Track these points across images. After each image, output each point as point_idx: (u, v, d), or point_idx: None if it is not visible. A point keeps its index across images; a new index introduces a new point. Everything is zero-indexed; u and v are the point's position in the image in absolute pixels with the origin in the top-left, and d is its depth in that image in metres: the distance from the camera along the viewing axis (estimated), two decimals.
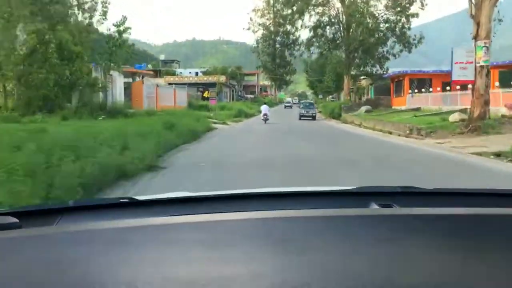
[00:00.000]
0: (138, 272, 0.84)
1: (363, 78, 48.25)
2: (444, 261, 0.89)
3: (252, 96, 73.55)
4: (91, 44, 25.27)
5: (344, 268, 0.85)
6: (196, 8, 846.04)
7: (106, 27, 26.58)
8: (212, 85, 51.37)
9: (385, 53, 40.05)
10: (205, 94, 50.53)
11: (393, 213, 1.29)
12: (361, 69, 40.33)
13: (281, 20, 77.57)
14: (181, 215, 1.30)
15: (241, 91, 75.61)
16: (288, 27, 77.54)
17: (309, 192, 1.70)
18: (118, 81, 24.81)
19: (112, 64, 26.17)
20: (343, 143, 16.25)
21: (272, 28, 76.29)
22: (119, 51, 26.77)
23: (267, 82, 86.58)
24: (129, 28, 26.65)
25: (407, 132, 20.34)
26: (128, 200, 1.49)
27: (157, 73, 61.72)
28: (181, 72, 67.66)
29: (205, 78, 53.54)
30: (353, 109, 38.18)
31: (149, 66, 71.25)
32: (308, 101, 47.82)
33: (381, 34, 39.79)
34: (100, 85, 20.87)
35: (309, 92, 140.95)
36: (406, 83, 35.01)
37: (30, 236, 1.05)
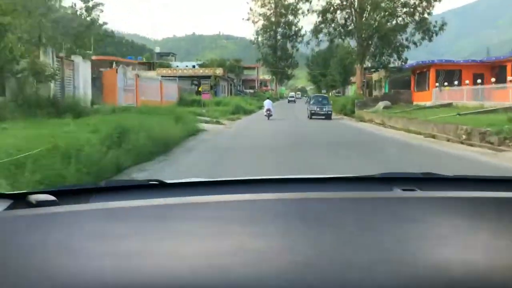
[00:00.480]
0: (177, 244, 0.86)
1: (373, 71, 42.53)
2: (467, 241, 0.90)
3: (251, 90, 67.64)
4: (52, 23, 19.44)
5: (374, 245, 0.86)
6: (196, 2, 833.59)
7: (71, 3, 20.87)
8: (208, 78, 45.58)
9: (404, 41, 34.09)
10: (200, 88, 44.89)
11: (417, 195, 1.30)
12: (376, 59, 34.35)
13: (282, 10, 71.86)
14: (215, 195, 1.27)
15: (240, 86, 69.74)
16: (290, 17, 72.01)
17: (337, 178, 1.66)
18: (83, 69, 19.06)
19: (78, 49, 20.45)
20: (388, 158, 10.50)
21: (273, 19, 70.36)
22: (88, 32, 21.01)
23: (267, 76, 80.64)
24: (101, 4, 20.87)
25: (463, 136, 14.59)
26: (157, 182, 1.45)
27: (150, 66, 56.04)
28: (177, 66, 61.68)
29: (201, 71, 47.65)
30: (368, 105, 32.39)
31: (143, 58, 65.54)
32: (321, 94, 37.96)
33: (399, 19, 33.87)
34: (48, 73, 15.09)
35: (309, 87, 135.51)
36: (431, 75, 29.23)
37: (67, 212, 1.06)
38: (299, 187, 1.55)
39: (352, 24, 35.02)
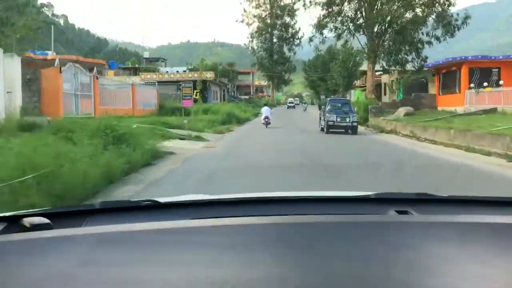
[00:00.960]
0: (170, 272, 0.85)
1: (380, 74, 36.88)
2: (457, 271, 0.89)
3: (246, 97, 61.75)
4: None
5: (364, 275, 0.85)
6: (191, 10, 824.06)
7: None
8: (203, 83, 39.65)
9: (424, 35, 28.33)
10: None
11: (410, 220, 1.27)
12: (392, 58, 28.55)
13: (278, 11, 66.17)
14: (205, 218, 1.25)
15: (234, 92, 63.91)
16: (287, 19, 66.38)
17: (331, 198, 1.64)
18: (6, 68, 13.14)
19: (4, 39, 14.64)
20: None
21: (268, 20, 64.63)
22: (20, 18, 15.15)
23: (263, 82, 74.76)
24: None
25: None
26: (151, 203, 1.43)
27: (136, 71, 50.15)
28: (167, 72, 55.83)
29: (189, 75, 41.76)
30: (385, 112, 26.63)
31: (129, 64, 59.66)
32: (341, 98, 28.62)
33: (418, 10, 28.13)
34: None
35: (305, 94, 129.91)
36: (463, 74, 23.47)
37: (61, 236, 1.04)
38: (294, 208, 1.48)
39: (362, 18, 29.28)
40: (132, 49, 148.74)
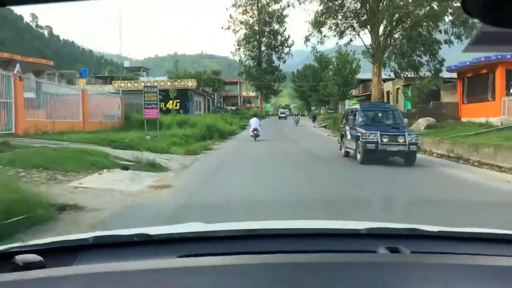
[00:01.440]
0: None
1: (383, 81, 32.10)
2: None
3: (233, 108, 56.57)
4: None
5: None
6: (179, 23, 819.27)
7: None
8: (184, 92, 34.47)
9: (442, 33, 23.52)
10: (169, 105, 33.67)
11: (400, 260, 1.24)
12: (405, 60, 23.64)
13: (267, 18, 61.52)
14: (194, 255, 1.24)
15: (220, 103, 58.71)
16: (276, 26, 61.70)
17: (319, 233, 1.54)
18: None
19: None
20: None
21: (256, 27, 59.86)
22: None
23: (251, 93, 69.70)
24: None
25: None
26: (143, 238, 1.38)
27: (112, 80, 44.75)
28: (145, 81, 50.37)
29: (169, 84, 36.48)
30: None
31: (106, 72, 54.31)
32: (382, 104, 18.17)
33: (435, 4, 23.31)
34: None
35: (292, 105, 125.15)
36: (499, 77, 18.63)
37: (54, 276, 1.02)
38: (284, 243, 1.41)
39: (367, 14, 24.37)
40: (119, 61, 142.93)
